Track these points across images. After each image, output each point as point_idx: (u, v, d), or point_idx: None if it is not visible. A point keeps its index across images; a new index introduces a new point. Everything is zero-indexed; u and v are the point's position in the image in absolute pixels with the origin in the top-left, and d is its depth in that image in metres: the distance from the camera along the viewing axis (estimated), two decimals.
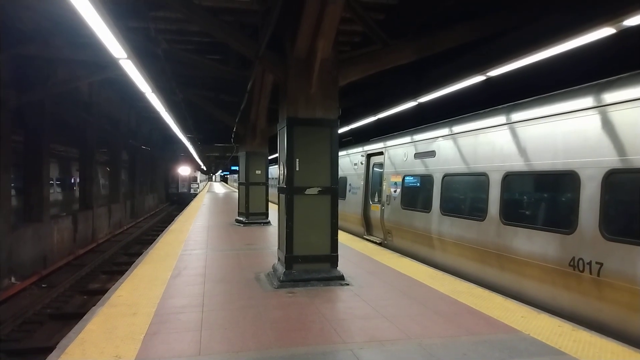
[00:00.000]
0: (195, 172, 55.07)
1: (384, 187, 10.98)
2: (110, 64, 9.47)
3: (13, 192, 13.75)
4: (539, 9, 7.10)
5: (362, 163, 12.70)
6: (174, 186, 50.95)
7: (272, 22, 6.13)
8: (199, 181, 58.22)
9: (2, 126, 11.78)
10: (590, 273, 4.98)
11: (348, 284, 6.29)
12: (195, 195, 44.42)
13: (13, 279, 11.68)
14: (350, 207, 13.20)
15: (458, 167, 7.89)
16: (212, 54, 10.79)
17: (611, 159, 4.91)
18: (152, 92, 10.03)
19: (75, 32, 9.87)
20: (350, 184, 13.51)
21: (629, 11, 4.87)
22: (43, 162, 14.66)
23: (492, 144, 6.97)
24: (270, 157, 15.56)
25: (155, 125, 32.35)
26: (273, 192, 13.51)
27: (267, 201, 14.20)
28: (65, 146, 22.87)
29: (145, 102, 12.73)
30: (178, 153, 46.80)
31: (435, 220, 8.45)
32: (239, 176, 15.82)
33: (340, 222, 7.26)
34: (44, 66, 13.54)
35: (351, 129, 15.20)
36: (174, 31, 9.36)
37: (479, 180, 7.22)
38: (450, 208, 8.08)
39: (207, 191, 46.80)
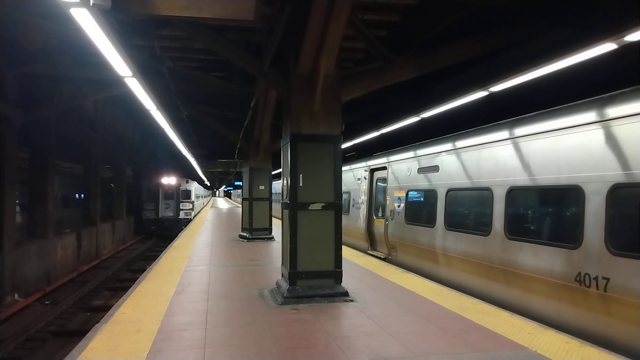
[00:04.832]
0: (186, 182, 33.33)
1: (388, 202, 10.96)
2: (116, 81, 9.58)
3: (18, 208, 13.80)
4: (540, 25, 7.16)
5: (365, 178, 12.69)
6: (150, 207, 31.69)
7: (275, 40, 6.21)
8: (193, 197, 33.65)
9: (7, 144, 11.89)
10: (597, 288, 4.93)
11: (352, 300, 6.24)
12: (187, 222, 27.84)
13: (16, 296, 11.66)
14: (353, 222, 13.16)
15: (462, 181, 7.88)
16: (216, 71, 10.90)
17: (615, 174, 4.89)
18: (157, 109, 10.10)
19: (81, 51, 10.01)
20: (353, 199, 13.49)
21: (630, 27, 4.91)
22: (48, 179, 14.76)
23: (495, 158, 6.97)
24: (273, 173, 15.60)
25: (160, 142, 32.41)
26: (277, 208, 13.50)
27: (270, 216, 14.20)
28: (70, 163, 23.02)
29: (150, 118, 12.83)
30: (161, 154, 32.75)
31: (439, 235, 8.41)
32: (242, 191, 15.84)
33: (343, 238, 7.23)
34: (50, 84, 13.70)
35: (354, 144, 15.24)
36: (179, 49, 9.49)
37: (483, 195, 7.20)
38: (455, 223, 8.04)
39: (211, 207, 46.75)
